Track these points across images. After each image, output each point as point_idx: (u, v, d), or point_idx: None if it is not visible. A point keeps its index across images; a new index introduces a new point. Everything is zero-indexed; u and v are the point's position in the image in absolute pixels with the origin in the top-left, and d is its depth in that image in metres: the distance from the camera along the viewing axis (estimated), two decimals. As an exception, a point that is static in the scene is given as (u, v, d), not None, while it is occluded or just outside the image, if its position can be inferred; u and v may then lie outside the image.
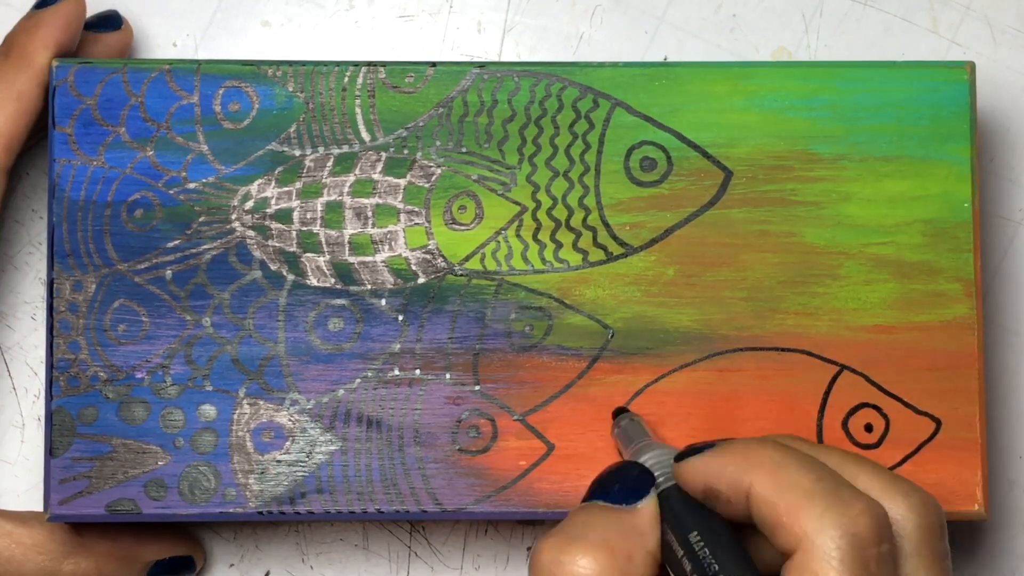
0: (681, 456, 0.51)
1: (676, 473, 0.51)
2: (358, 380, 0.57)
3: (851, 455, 0.50)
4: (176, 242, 0.57)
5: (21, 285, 0.61)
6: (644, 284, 0.57)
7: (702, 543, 0.49)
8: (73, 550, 0.57)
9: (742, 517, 0.49)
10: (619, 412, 0.56)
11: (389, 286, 0.57)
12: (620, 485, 0.51)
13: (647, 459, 0.52)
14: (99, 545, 0.57)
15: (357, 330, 0.57)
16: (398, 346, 0.57)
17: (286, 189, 0.57)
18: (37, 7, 0.58)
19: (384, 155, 0.57)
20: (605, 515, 0.50)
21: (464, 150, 0.58)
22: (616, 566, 0.48)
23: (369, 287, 0.57)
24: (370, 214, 0.57)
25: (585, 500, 0.51)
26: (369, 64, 0.58)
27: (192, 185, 0.57)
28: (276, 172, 0.57)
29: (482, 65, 0.58)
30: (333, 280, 0.57)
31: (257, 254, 0.57)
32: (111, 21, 0.60)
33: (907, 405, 0.57)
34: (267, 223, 0.57)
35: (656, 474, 0.51)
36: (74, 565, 0.56)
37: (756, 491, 0.48)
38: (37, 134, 0.59)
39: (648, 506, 0.50)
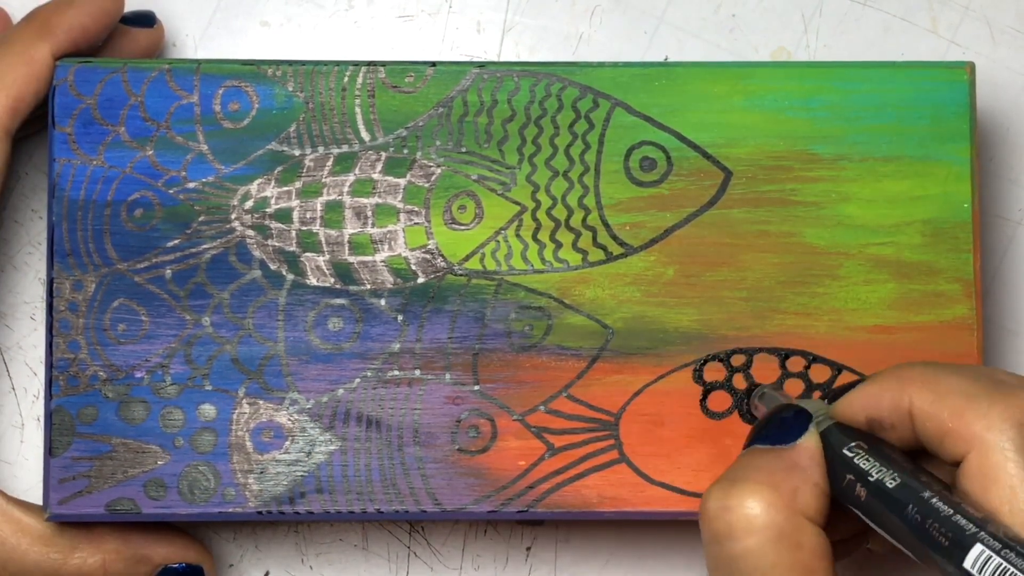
0: (833, 398, 0.50)
1: (835, 411, 0.50)
2: (358, 380, 0.57)
3: (994, 369, 0.50)
4: (176, 241, 0.57)
5: (20, 285, 0.61)
6: (644, 284, 0.57)
7: (872, 460, 0.48)
8: (80, 545, 0.57)
9: (908, 441, 0.49)
10: (751, 391, 0.56)
11: (389, 286, 0.57)
12: (777, 426, 0.50)
13: (800, 403, 0.51)
14: (107, 543, 0.57)
15: (357, 330, 0.57)
16: (398, 346, 0.57)
17: (286, 189, 0.57)
18: None
19: (384, 155, 0.57)
20: (765, 456, 0.50)
21: (464, 150, 0.58)
22: (782, 502, 0.48)
23: (369, 287, 0.57)
24: (370, 214, 0.57)
25: (745, 447, 0.51)
26: (369, 64, 0.58)
27: (192, 185, 0.57)
28: (276, 172, 0.57)
29: (482, 65, 0.58)
30: (333, 280, 0.57)
31: (257, 254, 0.57)
32: (145, 19, 0.60)
33: (907, 405, 0.57)
34: (267, 223, 0.57)
35: (812, 412, 0.51)
36: (80, 560, 0.56)
37: (917, 406, 0.48)
38: (40, 120, 0.59)
39: (808, 441, 0.50)
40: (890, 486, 0.47)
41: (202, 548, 0.59)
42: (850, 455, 0.49)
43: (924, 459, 0.49)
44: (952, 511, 0.46)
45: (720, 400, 0.57)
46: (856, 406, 0.50)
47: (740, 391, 0.57)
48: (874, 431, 0.49)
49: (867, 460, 0.48)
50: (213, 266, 0.57)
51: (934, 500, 0.46)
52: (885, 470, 0.48)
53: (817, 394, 0.57)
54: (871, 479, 0.48)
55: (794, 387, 0.57)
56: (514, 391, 0.57)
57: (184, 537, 0.58)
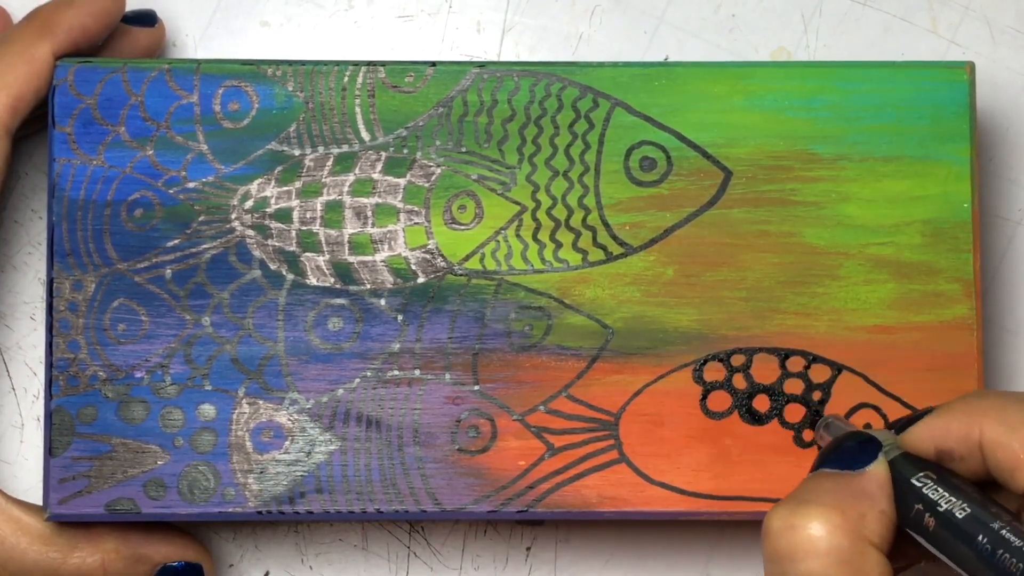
0: (901, 428, 0.50)
1: (904, 441, 0.50)
2: (357, 380, 0.57)
3: None
4: (176, 241, 0.57)
5: (20, 285, 0.61)
6: (644, 284, 0.57)
7: (940, 490, 0.48)
8: (80, 544, 0.57)
9: (977, 473, 0.48)
10: (813, 421, 0.56)
11: (389, 286, 0.57)
12: (845, 453, 0.50)
13: (869, 432, 0.51)
14: (107, 542, 0.57)
15: (356, 330, 0.57)
16: (398, 346, 0.57)
17: (286, 188, 0.57)
18: None
19: (384, 155, 0.57)
20: (834, 480, 0.49)
21: (464, 150, 0.58)
22: (848, 526, 0.47)
23: (369, 287, 0.57)
24: (370, 213, 0.57)
25: (812, 471, 0.51)
26: (369, 64, 0.58)
27: (192, 184, 0.57)
28: (276, 171, 0.57)
29: (482, 65, 0.58)
30: (333, 280, 0.57)
31: (257, 253, 0.57)
32: (146, 18, 0.60)
33: (906, 405, 0.57)
34: (267, 222, 0.57)
35: (882, 441, 0.50)
36: (79, 560, 0.56)
37: (988, 438, 0.47)
38: (40, 119, 0.59)
39: (877, 469, 0.49)
40: (960, 516, 0.47)
41: (201, 547, 0.59)
42: (919, 484, 0.48)
43: (993, 490, 0.49)
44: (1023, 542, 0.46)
45: (720, 400, 0.57)
46: (925, 437, 0.49)
47: (740, 391, 0.57)
48: (943, 462, 0.49)
49: (936, 490, 0.48)
50: (213, 266, 0.57)
51: (1005, 531, 0.46)
52: (955, 500, 0.48)
53: (881, 423, 0.56)
54: (940, 509, 0.48)
55: (794, 387, 0.57)
56: (514, 391, 0.57)
57: (183, 536, 0.58)
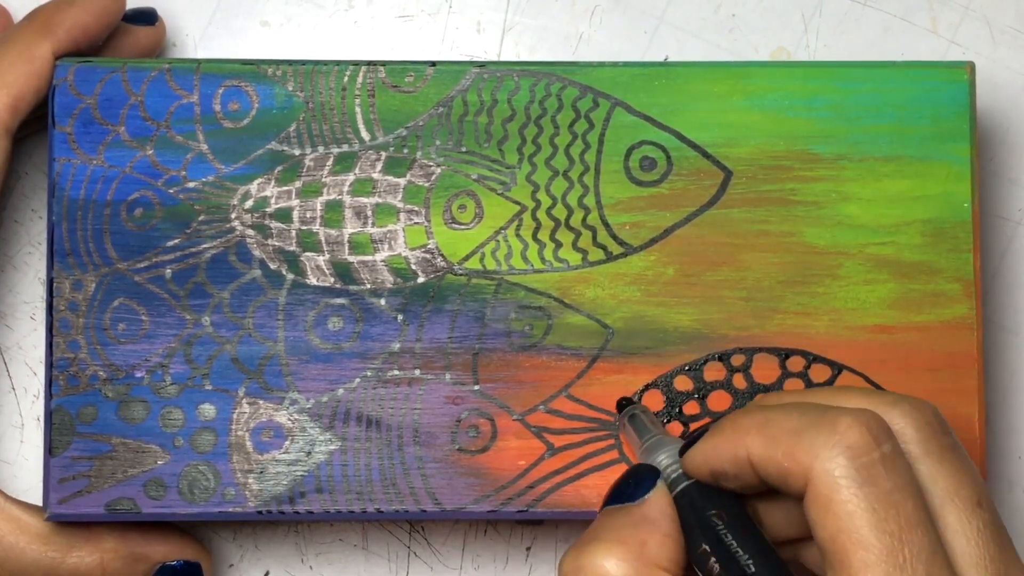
0: (684, 448, 0.51)
1: (683, 465, 0.51)
2: (357, 379, 0.57)
3: (836, 389, 0.51)
4: (176, 241, 0.57)
5: (20, 285, 0.61)
6: (644, 284, 0.57)
7: (719, 524, 0.49)
8: (78, 544, 0.56)
9: (754, 486, 0.49)
10: (623, 404, 0.56)
11: (389, 285, 0.57)
12: (626, 486, 0.51)
13: (656, 458, 0.52)
14: (106, 541, 0.57)
15: (357, 329, 0.57)
16: (398, 345, 0.57)
17: (286, 188, 0.57)
18: None
19: (384, 154, 0.57)
20: (615, 514, 0.51)
21: (464, 149, 0.58)
22: (631, 554, 0.49)
23: (369, 286, 0.57)
24: (370, 213, 0.57)
25: (600, 509, 0.52)
26: (369, 63, 0.58)
27: (192, 184, 0.57)
28: (276, 171, 0.57)
29: (482, 65, 0.58)
30: (333, 279, 0.57)
31: (257, 253, 0.57)
32: (146, 16, 0.60)
33: (907, 405, 0.57)
34: (267, 222, 0.57)
35: (668, 470, 0.51)
36: (77, 559, 0.56)
37: (754, 454, 0.48)
38: (41, 119, 0.59)
39: (656, 495, 0.50)
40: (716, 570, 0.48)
41: (199, 546, 0.59)
42: (708, 526, 0.50)
43: (778, 497, 0.50)
44: None
45: (720, 400, 0.57)
46: (698, 460, 0.50)
47: (740, 391, 0.57)
48: (719, 482, 0.50)
49: (725, 535, 0.49)
50: (213, 266, 0.57)
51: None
52: (741, 553, 0.49)
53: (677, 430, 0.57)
54: (723, 562, 0.49)
55: (794, 386, 0.57)
56: (514, 391, 0.57)
57: (181, 535, 0.58)
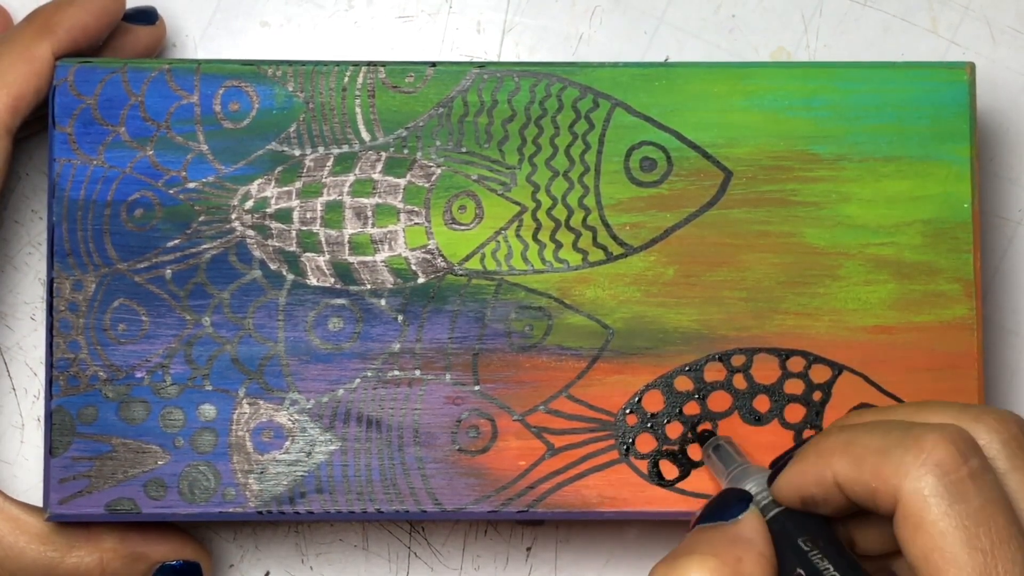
0: (772, 476, 0.51)
1: (773, 495, 0.51)
2: (358, 380, 0.57)
3: (916, 404, 0.50)
4: (176, 241, 0.57)
5: (21, 285, 0.61)
6: (644, 284, 0.57)
7: (812, 549, 0.49)
8: (78, 544, 0.56)
9: (845, 508, 0.49)
10: (706, 436, 0.56)
11: (389, 286, 0.57)
12: (720, 507, 0.51)
13: (744, 487, 0.52)
14: (105, 541, 0.57)
15: (357, 330, 0.57)
16: (398, 346, 0.57)
17: (286, 189, 0.57)
18: None
19: (384, 155, 0.57)
20: (709, 531, 0.50)
21: (464, 150, 0.58)
22: (726, 569, 0.48)
23: (369, 287, 0.57)
24: (370, 214, 0.57)
25: (690, 529, 0.51)
26: (369, 64, 0.58)
27: (192, 184, 0.57)
28: (276, 172, 0.57)
29: (482, 65, 0.58)
30: (333, 280, 0.57)
31: (257, 254, 0.57)
32: (146, 15, 0.60)
33: (907, 405, 0.57)
34: (267, 223, 0.57)
35: (758, 498, 0.51)
36: (77, 559, 0.56)
37: (840, 476, 0.48)
38: (41, 120, 0.59)
39: (750, 516, 0.50)
40: None
41: (199, 545, 0.59)
42: (805, 548, 0.49)
43: (868, 516, 0.50)
44: None
45: (720, 400, 0.57)
46: (787, 489, 0.50)
47: (740, 391, 0.57)
48: (810, 509, 0.50)
49: (820, 559, 0.49)
50: (213, 266, 0.57)
51: None
52: (822, 560, 0.48)
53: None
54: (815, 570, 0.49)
55: (794, 387, 0.57)
56: (514, 391, 0.57)
57: (181, 535, 0.58)
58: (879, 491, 0.47)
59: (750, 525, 0.50)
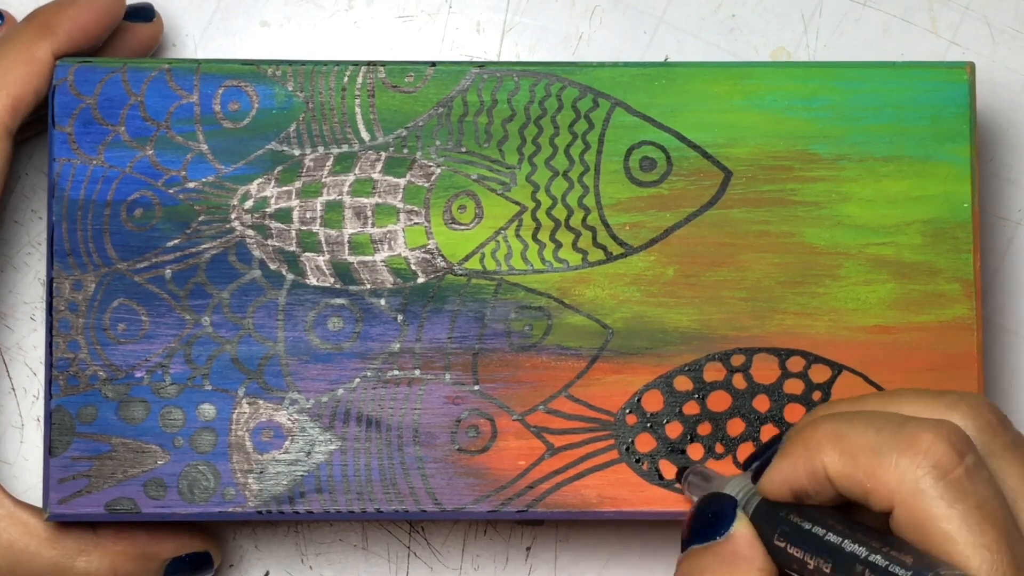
0: (756, 474, 0.50)
1: (760, 492, 0.50)
2: (357, 380, 0.57)
3: (890, 393, 0.50)
4: (176, 241, 0.57)
5: (20, 285, 0.61)
6: (644, 284, 0.57)
7: (803, 546, 0.48)
8: (87, 547, 0.56)
9: (836, 499, 0.48)
10: (680, 473, 0.56)
11: (388, 286, 0.57)
12: (705, 521, 0.50)
13: (727, 487, 0.51)
14: (115, 544, 0.57)
15: (356, 330, 0.57)
16: (397, 346, 0.57)
17: (286, 188, 0.57)
18: None
19: (384, 155, 0.57)
20: (703, 555, 0.50)
21: (464, 150, 0.58)
22: None
23: (368, 287, 0.57)
24: (370, 213, 0.57)
25: (682, 551, 0.51)
26: (369, 64, 0.58)
27: (192, 184, 0.57)
28: (276, 171, 0.57)
29: (482, 65, 0.58)
30: (332, 279, 0.57)
31: (257, 253, 0.57)
32: (143, 13, 0.60)
33: (907, 405, 0.57)
34: (266, 222, 0.57)
35: (738, 495, 0.51)
36: (86, 563, 0.56)
37: (831, 471, 0.47)
38: (41, 121, 0.59)
39: (739, 527, 0.50)
40: (827, 571, 0.47)
41: (207, 537, 0.59)
42: (781, 544, 0.49)
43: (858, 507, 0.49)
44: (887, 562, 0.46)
45: (720, 400, 0.57)
46: (777, 482, 0.49)
47: (740, 391, 0.57)
48: (802, 501, 0.49)
49: (798, 547, 0.48)
50: (213, 266, 0.57)
51: (875, 556, 0.46)
52: (820, 557, 0.48)
53: (733, 464, 0.56)
54: (809, 568, 0.48)
55: (794, 387, 0.57)
56: (514, 391, 0.57)
57: (188, 528, 0.58)
58: (874, 491, 0.46)
59: (743, 539, 0.49)
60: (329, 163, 0.57)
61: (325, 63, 0.58)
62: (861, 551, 0.46)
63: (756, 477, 0.50)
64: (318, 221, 0.57)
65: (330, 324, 0.57)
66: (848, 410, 0.49)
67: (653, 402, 0.57)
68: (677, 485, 0.56)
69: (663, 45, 0.63)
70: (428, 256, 0.57)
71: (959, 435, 0.47)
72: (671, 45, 0.63)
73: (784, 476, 0.49)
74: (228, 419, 0.56)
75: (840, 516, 0.48)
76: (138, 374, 0.56)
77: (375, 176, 0.57)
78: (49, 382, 0.56)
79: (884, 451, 0.46)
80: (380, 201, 0.57)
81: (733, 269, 0.57)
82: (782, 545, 0.49)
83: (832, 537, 0.47)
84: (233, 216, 0.57)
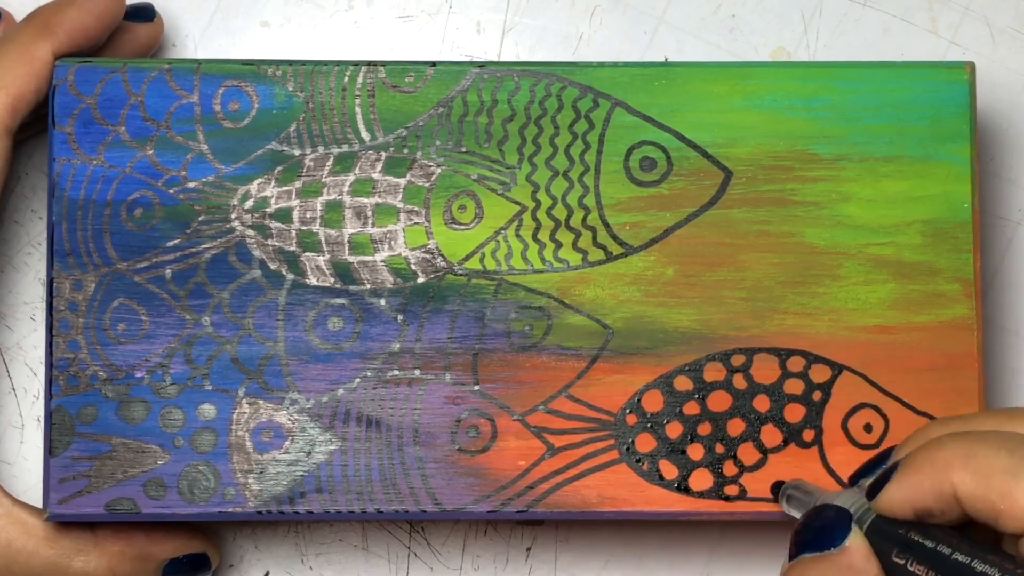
0: (872, 490, 0.49)
1: (879, 507, 0.49)
2: (357, 380, 0.57)
3: (1005, 411, 0.49)
4: (176, 241, 0.57)
5: (20, 285, 0.61)
6: (644, 284, 0.57)
7: (923, 564, 0.47)
8: (85, 547, 0.56)
9: (961, 520, 0.48)
10: (777, 487, 0.56)
11: (389, 285, 0.57)
12: (820, 531, 0.49)
13: (836, 502, 0.50)
14: (113, 544, 0.57)
15: (356, 330, 0.57)
16: (398, 346, 0.57)
17: (286, 188, 0.57)
18: None
19: (384, 154, 0.57)
20: (817, 565, 0.49)
21: (464, 150, 0.58)
22: None
23: (369, 286, 0.57)
24: (370, 213, 0.57)
25: (791, 559, 0.50)
26: (369, 64, 0.58)
27: (192, 184, 0.57)
28: (276, 171, 0.57)
29: (482, 65, 0.58)
30: (333, 279, 0.57)
31: (257, 253, 0.57)
32: (144, 13, 0.60)
33: (906, 405, 0.57)
34: (267, 222, 0.57)
35: (851, 509, 0.50)
36: (84, 563, 0.56)
37: (962, 491, 0.47)
38: (42, 121, 0.59)
39: (855, 540, 0.49)
40: None
41: (204, 538, 0.59)
42: (901, 561, 0.48)
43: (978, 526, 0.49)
44: None
45: (720, 400, 0.57)
46: (899, 500, 0.48)
47: (740, 391, 0.57)
48: (923, 520, 0.48)
49: (923, 566, 0.47)
50: (213, 266, 0.57)
51: None
52: (946, 549, 0.47)
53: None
54: (936, 558, 0.47)
55: (794, 387, 0.57)
56: (514, 391, 0.57)
57: (186, 529, 0.58)
58: (1006, 513, 0.46)
59: (859, 552, 0.48)
60: (329, 163, 0.57)
61: (325, 63, 0.58)
62: (993, 572, 0.46)
63: (872, 493, 0.49)
64: (318, 221, 0.57)
65: (330, 324, 0.57)
66: (964, 429, 0.48)
67: (653, 402, 0.57)
68: (779, 503, 0.55)
69: (663, 45, 0.63)
70: (428, 256, 0.57)
71: None
72: (671, 45, 0.63)
73: (907, 494, 0.48)
74: (228, 419, 0.56)
75: (959, 535, 0.47)
76: (138, 374, 0.56)
77: (375, 176, 0.57)
78: (49, 382, 0.56)
79: (1020, 473, 0.46)
80: (380, 201, 0.57)
81: (733, 269, 0.57)
82: (901, 562, 0.48)
83: (960, 556, 0.47)
84: (233, 216, 0.57)
